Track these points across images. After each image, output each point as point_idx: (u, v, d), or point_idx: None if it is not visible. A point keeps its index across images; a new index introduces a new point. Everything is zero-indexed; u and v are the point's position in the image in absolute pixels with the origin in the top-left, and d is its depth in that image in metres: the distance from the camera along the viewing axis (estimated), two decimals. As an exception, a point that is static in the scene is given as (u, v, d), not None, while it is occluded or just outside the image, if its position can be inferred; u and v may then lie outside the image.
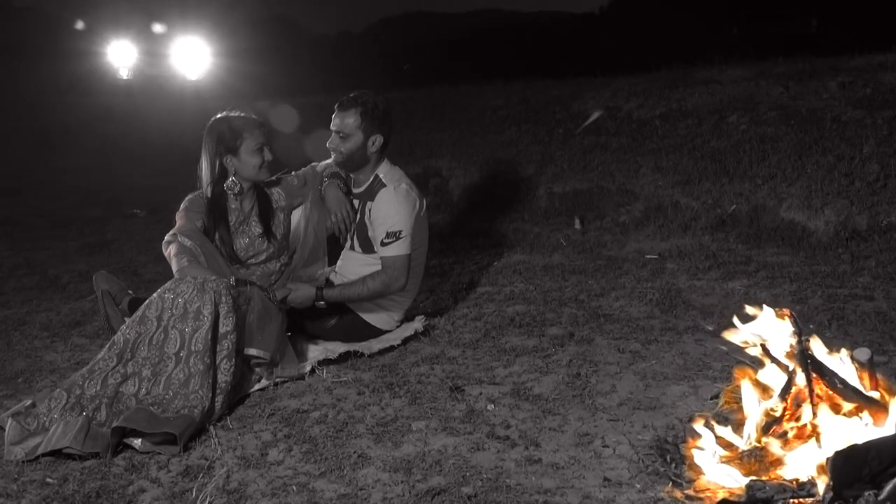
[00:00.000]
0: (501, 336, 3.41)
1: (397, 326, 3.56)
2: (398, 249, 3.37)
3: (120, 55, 16.12)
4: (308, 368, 3.17)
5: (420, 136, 7.63)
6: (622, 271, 4.23)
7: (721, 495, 2.00)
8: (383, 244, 3.38)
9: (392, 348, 3.36)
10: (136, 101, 14.62)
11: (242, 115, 3.39)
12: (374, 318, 3.50)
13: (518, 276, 4.30)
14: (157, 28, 15.98)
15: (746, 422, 2.16)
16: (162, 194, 6.70)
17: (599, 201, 5.42)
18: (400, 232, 3.36)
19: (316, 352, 3.32)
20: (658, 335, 3.27)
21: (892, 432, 2.01)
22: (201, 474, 2.41)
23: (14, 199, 8.57)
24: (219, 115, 3.40)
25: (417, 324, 3.52)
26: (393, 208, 3.38)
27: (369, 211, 3.44)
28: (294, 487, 2.30)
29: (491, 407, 2.71)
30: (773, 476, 2.04)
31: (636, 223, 5.01)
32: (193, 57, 16.27)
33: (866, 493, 1.90)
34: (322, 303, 3.36)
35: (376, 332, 3.50)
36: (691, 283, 3.90)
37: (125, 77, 16.17)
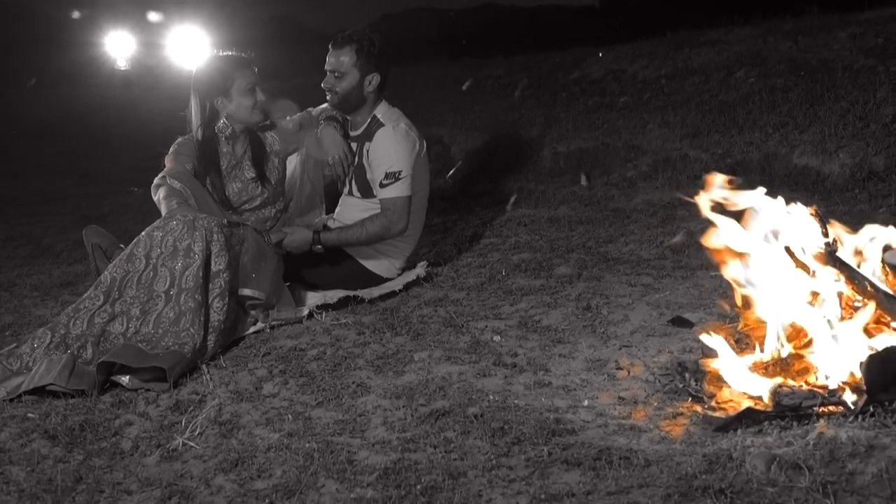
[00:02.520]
0: (507, 279, 3.27)
1: (398, 275, 3.42)
2: (398, 191, 3.23)
3: (118, 45, 15.98)
4: (305, 313, 3.03)
5: (420, 106, 7.47)
6: (631, 220, 4.08)
7: (745, 405, 1.86)
8: (382, 185, 3.24)
9: (393, 293, 3.22)
10: (135, 92, 14.48)
11: (231, 53, 3.25)
12: (374, 265, 3.36)
13: (523, 228, 4.16)
14: (154, 17, 15.84)
15: (769, 331, 2.02)
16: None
17: (606, 158, 5.27)
18: (399, 172, 3.22)
19: (314, 298, 3.19)
20: (670, 272, 3.13)
21: (929, 333, 1.87)
22: (192, 408, 2.28)
23: (12, 182, 8.47)
24: (207, 56, 3.26)
25: (419, 269, 3.38)
26: (392, 148, 3.24)
27: (367, 152, 3.30)
28: (289, 416, 2.17)
29: (497, 338, 2.58)
30: (801, 383, 1.90)
31: (644, 177, 4.86)
32: (192, 46, 16.10)
33: (903, 396, 1.76)
34: (319, 247, 3.22)
35: (377, 280, 3.36)
36: (703, 226, 3.74)
37: (123, 68, 16.03)
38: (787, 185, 4.22)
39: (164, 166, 3.16)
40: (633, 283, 2.98)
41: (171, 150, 3.20)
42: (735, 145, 4.75)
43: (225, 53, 3.25)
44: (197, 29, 16.20)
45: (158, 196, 3.05)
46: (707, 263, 3.16)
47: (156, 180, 3.10)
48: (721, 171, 4.54)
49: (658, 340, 2.45)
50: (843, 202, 3.82)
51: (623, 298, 2.83)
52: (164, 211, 2.95)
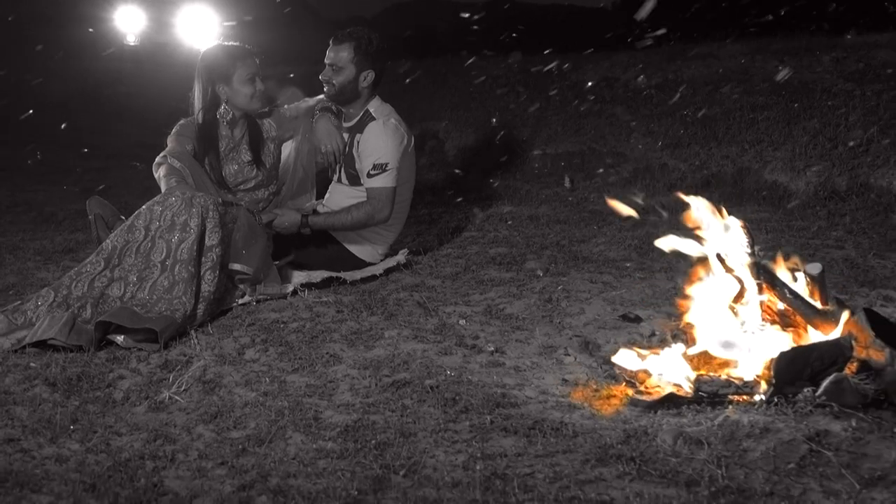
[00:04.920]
0: (481, 270, 3.50)
1: (381, 260, 3.64)
2: (384, 181, 3.46)
3: (127, 20, 16.12)
4: (290, 289, 3.26)
5: (420, 101, 7.69)
6: (605, 223, 4.32)
7: (668, 390, 2.10)
8: (369, 175, 3.46)
9: (374, 277, 3.45)
10: (144, 68, 14.59)
11: (236, 44, 3.47)
12: (358, 250, 3.59)
13: (503, 224, 4.39)
14: (166, -6, 16.01)
15: (697, 328, 2.26)
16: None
17: (590, 162, 5.51)
18: (386, 164, 3.45)
19: (299, 277, 3.41)
20: (631, 272, 3.36)
21: (835, 338, 2.11)
22: (179, 367, 2.51)
23: (18, 151, 8.67)
24: (212, 44, 3.48)
25: (400, 256, 3.60)
26: (381, 141, 3.46)
27: (358, 144, 3.53)
28: (267, 379, 2.40)
29: (462, 322, 2.81)
30: (719, 374, 2.14)
31: (624, 182, 5.10)
32: (201, 25, 16.20)
33: (805, 390, 2.00)
34: (307, 229, 3.45)
35: (360, 264, 3.58)
36: (671, 233, 3.97)
37: (132, 43, 16.16)
38: (755, 199, 4.46)
39: (167, 146, 3.38)
40: (594, 281, 3.22)
41: (173, 131, 3.42)
42: (712, 158, 4.99)
43: (230, 43, 3.47)
44: (207, 8, 16.33)
45: (159, 173, 3.27)
46: (666, 267, 3.42)
47: (157, 158, 3.33)
48: (696, 182, 4.84)
49: (608, 332, 2.68)
50: (804, 218, 4.06)
51: (583, 293, 3.07)
52: (163, 188, 3.18)
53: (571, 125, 6.07)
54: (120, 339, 2.68)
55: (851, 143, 4.44)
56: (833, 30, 6.90)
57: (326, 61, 3.53)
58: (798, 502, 1.63)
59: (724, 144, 5.07)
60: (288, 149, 3.68)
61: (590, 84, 7.02)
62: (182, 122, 3.45)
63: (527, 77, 7.76)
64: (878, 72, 5.48)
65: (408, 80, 8.11)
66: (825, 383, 1.97)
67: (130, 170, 7.06)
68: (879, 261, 3.31)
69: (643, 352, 2.25)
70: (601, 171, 5.34)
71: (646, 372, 2.21)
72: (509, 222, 4.43)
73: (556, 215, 4.51)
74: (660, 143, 5.32)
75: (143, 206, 3.00)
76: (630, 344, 2.49)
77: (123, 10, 16.14)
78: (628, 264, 3.50)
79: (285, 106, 3.65)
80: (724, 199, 4.57)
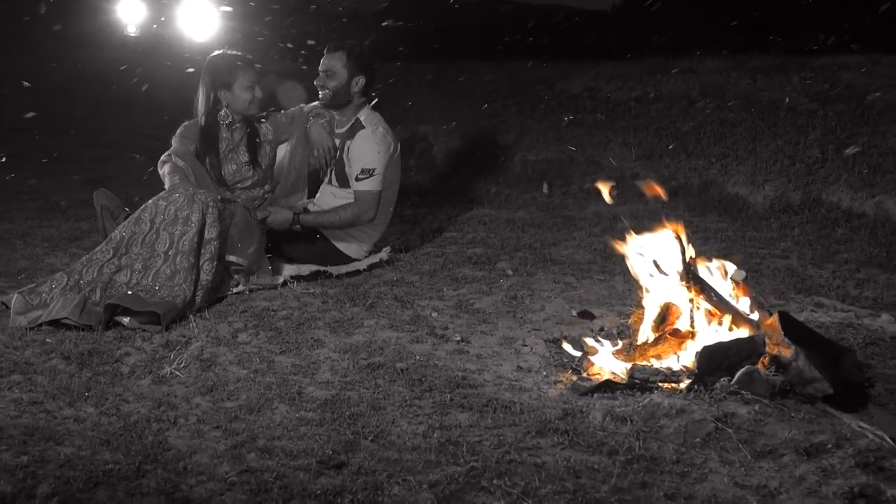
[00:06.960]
0: (456, 268, 3.82)
1: (365, 256, 3.95)
2: (370, 185, 3.77)
3: (129, 11, 16.33)
4: (280, 281, 3.57)
5: (412, 103, 8.01)
6: (577, 227, 4.64)
7: (606, 377, 2.42)
8: (357, 179, 3.78)
9: (358, 272, 3.76)
10: (145, 59, 14.79)
11: (238, 53, 3.78)
12: (345, 247, 3.90)
13: (482, 226, 4.71)
14: (168, -13, 16.23)
15: (641, 325, 2.58)
16: (163, 144, 7.11)
17: (568, 170, 5.83)
18: (373, 170, 3.76)
19: (290, 270, 3.72)
20: (594, 275, 3.68)
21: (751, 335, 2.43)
22: (179, 346, 2.82)
23: (21, 138, 8.92)
24: (217, 52, 3.79)
25: (383, 253, 3.91)
26: (369, 148, 3.78)
27: (348, 149, 3.84)
28: (257, 359, 2.71)
29: (435, 314, 3.13)
30: (651, 364, 2.46)
31: (598, 190, 5.41)
32: (201, 17, 16.38)
33: (722, 380, 2.32)
34: (298, 226, 3.76)
35: (346, 260, 3.90)
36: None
37: (133, 34, 16.37)
38: (716, 210, 4.80)
39: (171, 145, 3.69)
40: (557, 281, 3.54)
41: (177, 132, 3.73)
42: (681, 170, 5.32)
43: (233, 52, 3.78)
44: (207, 1, 16.52)
45: (164, 171, 3.58)
46: (625, 270, 3.73)
47: (163, 157, 3.64)
48: (664, 191, 5.15)
49: (564, 327, 3.00)
50: (758, 230, 4.39)
51: (545, 292, 3.39)
52: (167, 184, 3.49)
53: (553, 133, 6.39)
54: (126, 320, 2.99)
55: (808, 162, 4.77)
56: (820, 48, 7.18)
57: (321, 68, 3.85)
58: (699, 468, 1.95)
59: (693, 157, 5.40)
60: (283, 151, 3.99)
61: (574, 94, 7.36)
62: (186, 123, 3.75)
63: (515, 84, 8.08)
64: (841, 93, 5.82)
65: (400, 83, 8.42)
66: (739, 374, 2.29)
67: (131, 161, 7.35)
68: (817, 270, 3.64)
69: (590, 342, 2.57)
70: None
71: (589, 361, 2.53)
72: (487, 224, 4.75)
73: (531, 219, 4.83)
74: (634, 154, 5.65)
75: (150, 201, 3.31)
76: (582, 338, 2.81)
77: (125, 1, 16.35)
78: (593, 266, 3.82)
79: (282, 111, 3.95)
80: (689, 209, 4.92)
